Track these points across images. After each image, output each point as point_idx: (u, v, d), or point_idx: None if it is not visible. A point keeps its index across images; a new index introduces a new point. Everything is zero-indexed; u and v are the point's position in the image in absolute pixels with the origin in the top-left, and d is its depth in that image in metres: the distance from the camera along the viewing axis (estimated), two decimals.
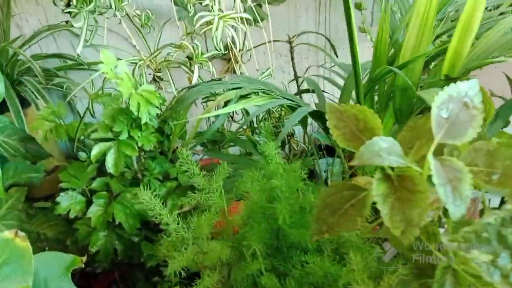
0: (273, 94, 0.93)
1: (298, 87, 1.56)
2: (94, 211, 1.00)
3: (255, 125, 1.16)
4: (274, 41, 1.28)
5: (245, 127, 1.15)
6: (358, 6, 1.41)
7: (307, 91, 1.16)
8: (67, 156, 1.66)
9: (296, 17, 1.72)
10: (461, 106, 0.56)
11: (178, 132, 1.01)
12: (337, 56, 1.69)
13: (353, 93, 1.13)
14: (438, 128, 0.55)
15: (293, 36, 1.54)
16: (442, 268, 0.52)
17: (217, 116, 0.97)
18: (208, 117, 1.11)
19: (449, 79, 0.75)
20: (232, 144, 1.13)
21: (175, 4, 1.22)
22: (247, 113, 1.14)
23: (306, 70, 1.53)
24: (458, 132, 0.55)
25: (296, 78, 1.57)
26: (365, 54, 1.51)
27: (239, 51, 1.05)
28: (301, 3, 1.68)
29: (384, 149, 0.53)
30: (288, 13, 1.70)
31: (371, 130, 0.60)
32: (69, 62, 1.52)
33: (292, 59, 1.57)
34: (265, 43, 1.24)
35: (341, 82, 1.27)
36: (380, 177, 0.53)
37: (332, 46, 1.68)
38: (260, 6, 1.34)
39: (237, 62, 1.08)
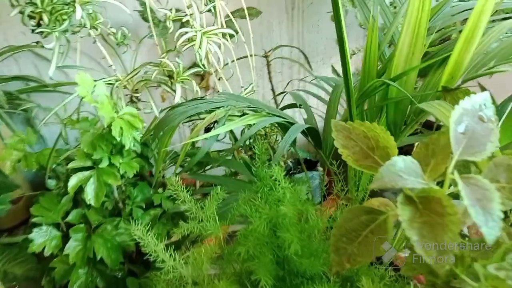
0: (262, 112, 0.89)
1: (277, 103, 1.53)
2: (72, 246, 0.91)
3: (240, 144, 1.11)
4: (250, 56, 1.25)
5: (228, 146, 1.10)
6: (333, 19, 1.39)
7: (293, 106, 1.12)
8: (32, 183, 1.55)
9: (269, 31, 1.70)
10: (477, 120, 0.54)
11: (164, 156, 0.94)
12: (311, 69, 1.68)
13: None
14: (457, 145, 0.52)
15: (270, 50, 1.51)
16: None
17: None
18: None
19: (447, 91, 0.73)
20: (217, 165, 1.07)
21: (146, 21, 1.16)
22: (231, 131, 1.09)
23: (287, 84, 1.50)
24: (477, 148, 0.52)
25: (274, 93, 1.54)
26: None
27: (222, 68, 1.00)
28: (273, 18, 1.66)
29: (404, 169, 0.50)
30: (261, 28, 1.68)
31: (384, 149, 0.57)
32: (31, 85, 1.42)
33: (269, 73, 1.54)
34: (241, 58, 1.21)
35: (319, 95, 1.25)
36: (403, 200, 0.49)
37: (307, 60, 1.67)
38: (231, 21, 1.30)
39: (220, 79, 1.03)
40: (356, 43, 1.71)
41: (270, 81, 1.55)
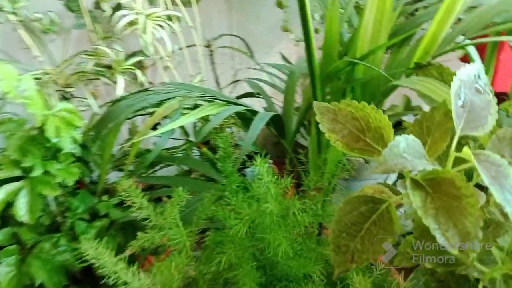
0: (219, 102, 0.80)
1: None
2: (4, 273, 0.76)
3: (190, 139, 1.01)
4: (191, 45, 1.15)
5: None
6: (279, 5, 1.33)
7: (249, 95, 1.04)
8: None
9: (208, 20, 1.60)
10: (473, 92, 0.50)
11: (109, 158, 0.82)
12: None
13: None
14: (458, 119, 0.47)
15: (212, 39, 1.42)
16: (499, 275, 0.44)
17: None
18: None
19: (420, 67, 0.69)
20: (170, 164, 0.96)
21: (71, 11, 1.02)
22: (182, 126, 0.99)
23: (237, 73, 1.42)
24: (478, 121, 0.48)
25: (219, 86, 1.45)
26: (288, 54, 1.45)
27: (169, 55, 0.89)
28: (212, 6, 1.56)
29: (407, 149, 0.44)
30: (199, 17, 1.58)
31: (376, 130, 0.50)
32: None
33: (213, 64, 1.45)
34: (189, 46, 1.11)
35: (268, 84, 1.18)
36: (411, 185, 0.43)
37: (249, 50, 1.60)
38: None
39: (166, 68, 0.92)
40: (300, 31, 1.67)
41: (214, 73, 1.46)
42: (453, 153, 0.46)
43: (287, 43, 1.58)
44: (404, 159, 0.43)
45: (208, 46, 1.40)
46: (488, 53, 0.87)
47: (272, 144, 1.31)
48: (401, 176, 0.93)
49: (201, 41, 1.07)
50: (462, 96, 0.48)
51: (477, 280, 0.52)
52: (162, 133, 0.81)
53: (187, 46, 0.96)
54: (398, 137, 0.44)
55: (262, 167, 0.52)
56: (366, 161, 1.23)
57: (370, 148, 0.50)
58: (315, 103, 0.54)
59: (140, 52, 0.97)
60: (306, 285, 0.58)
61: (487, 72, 0.87)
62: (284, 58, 1.24)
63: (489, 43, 0.86)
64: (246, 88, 1.37)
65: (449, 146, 0.47)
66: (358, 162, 1.28)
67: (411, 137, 0.45)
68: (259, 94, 0.97)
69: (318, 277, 0.61)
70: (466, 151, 0.42)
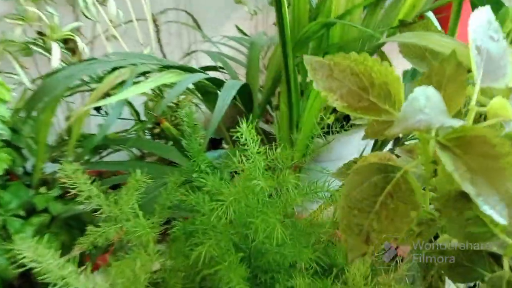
0: (177, 70, 0.69)
1: None
2: None
3: (140, 118, 0.89)
4: (139, 20, 1.03)
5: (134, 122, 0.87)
6: None
7: (210, 68, 0.93)
8: None
9: None
10: (487, 39, 0.43)
11: (46, 142, 0.69)
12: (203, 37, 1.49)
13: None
14: (478, 70, 0.41)
15: (158, 14, 1.28)
16: None
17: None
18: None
19: (405, 25, 0.62)
20: (119, 149, 0.84)
21: None
22: (131, 105, 0.87)
23: (187, 51, 1.30)
24: (497, 72, 0.42)
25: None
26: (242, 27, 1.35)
27: (111, 21, 0.76)
28: None
29: (427, 104, 0.36)
30: None
31: (381, 86, 0.43)
32: None
33: (159, 41, 1.32)
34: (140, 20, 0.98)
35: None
36: (440, 146, 0.36)
37: (198, 26, 1.48)
38: None
39: (109, 38, 0.79)
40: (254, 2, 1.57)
41: (161, 51, 1.33)
42: (474, 108, 0.40)
43: (238, 19, 1.48)
44: (426, 115, 0.36)
45: (153, 21, 1.27)
46: (453, 15, 0.83)
47: (228, 125, 1.22)
48: (378, 145, 0.87)
49: (149, 10, 0.94)
50: (479, 44, 0.42)
51: (493, 256, 0.47)
52: (108, 113, 0.69)
53: (137, 20, 0.83)
54: (417, 90, 0.37)
55: (250, 135, 0.42)
56: (328, 142, 1.17)
57: (375, 107, 0.42)
58: (306, 57, 0.45)
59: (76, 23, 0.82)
60: (296, 275, 0.50)
61: (452, 33, 0.83)
62: (240, 30, 1.14)
63: (454, 4, 0.81)
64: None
65: (467, 101, 0.41)
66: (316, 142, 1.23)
67: (430, 89, 0.37)
68: (222, 68, 0.87)
69: (307, 265, 0.54)
70: (503, 103, 0.35)
